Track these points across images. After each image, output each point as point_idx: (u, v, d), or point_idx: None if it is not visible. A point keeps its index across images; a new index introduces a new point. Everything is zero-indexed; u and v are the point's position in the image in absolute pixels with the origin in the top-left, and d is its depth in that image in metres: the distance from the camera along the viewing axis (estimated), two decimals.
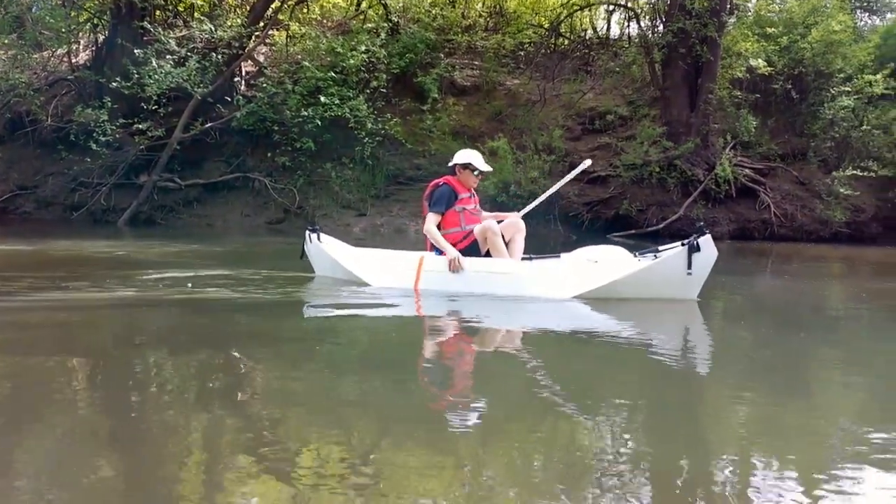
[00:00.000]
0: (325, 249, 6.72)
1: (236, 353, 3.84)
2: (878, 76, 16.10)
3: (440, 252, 5.97)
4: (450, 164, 6.22)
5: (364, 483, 2.16)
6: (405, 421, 2.82)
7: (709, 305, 5.70)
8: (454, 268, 5.78)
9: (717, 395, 3.42)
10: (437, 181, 6.22)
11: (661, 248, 5.68)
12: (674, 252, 5.45)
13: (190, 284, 6.02)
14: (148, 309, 5.08)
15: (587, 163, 6.75)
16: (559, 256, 6.17)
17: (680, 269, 5.40)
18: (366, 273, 6.33)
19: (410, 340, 4.41)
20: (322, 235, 6.89)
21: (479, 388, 3.37)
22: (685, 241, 5.42)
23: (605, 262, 5.78)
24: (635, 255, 5.80)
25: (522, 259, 6.11)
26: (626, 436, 2.68)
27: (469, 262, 5.86)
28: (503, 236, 6.06)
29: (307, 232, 6.98)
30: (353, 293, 5.92)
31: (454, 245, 5.94)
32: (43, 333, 4.20)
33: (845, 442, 2.69)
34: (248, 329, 4.53)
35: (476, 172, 6.12)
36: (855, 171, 15.26)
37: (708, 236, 5.38)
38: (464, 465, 2.37)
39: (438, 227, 6.04)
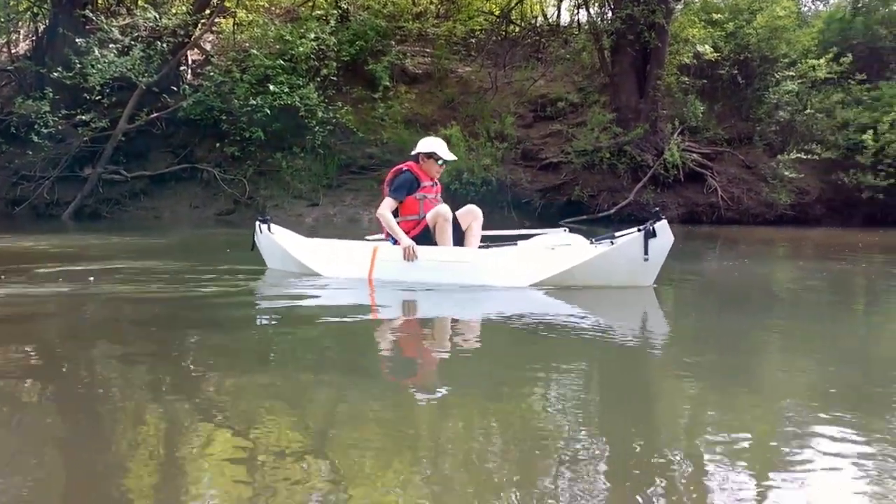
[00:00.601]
0: (277, 240, 6.51)
1: (180, 350, 3.78)
2: (822, 61, 16.44)
3: (396, 241, 5.88)
4: (413, 152, 6.08)
5: (323, 471, 2.16)
6: (361, 411, 2.81)
7: (660, 290, 5.71)
8: (408, 256, 5.67)
9: (670, 376, 3.46)
10: (400, 167, 6.06)
11: (617, 234, 5.63)
12: (630, 238, 5.41)
13: (92, 278, 5.79)
14: (83, 305, 4.94)
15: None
16: (516, 244, 6.16)
17: (636, 255, 5.37)
18: (319, 264, 6.19)
19: (364, 332, 4.32)
20: (273, 226, 6.66)
21: (437, 376, 3.36)
22: (641, 227, 5.37)
23: (561, 250, 5.75)
24: (592, 242, 5.76)
25: (480, 247, 6.08)
26: (581, 418, 2.71)
27: (424, 252, 5.75)
28: (460, 224, 6.02)
29: (257, 222, 6.74)
30: (306, 285, 5.80)
31: (408, 233, 5.84)
32: None
33: (794, 419, 2.74)
34: (192, 324, 4.45)
35: (440, 162, 5.98)
36: (799, 155, 15.56)
37: (664, 222, 5.36)
38: (422, 452, 2.38)
39: (396, 213, 5.92)
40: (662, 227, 5.34)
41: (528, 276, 5.50)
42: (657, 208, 5.61)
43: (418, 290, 5.55)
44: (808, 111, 16.50)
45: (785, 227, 14.97)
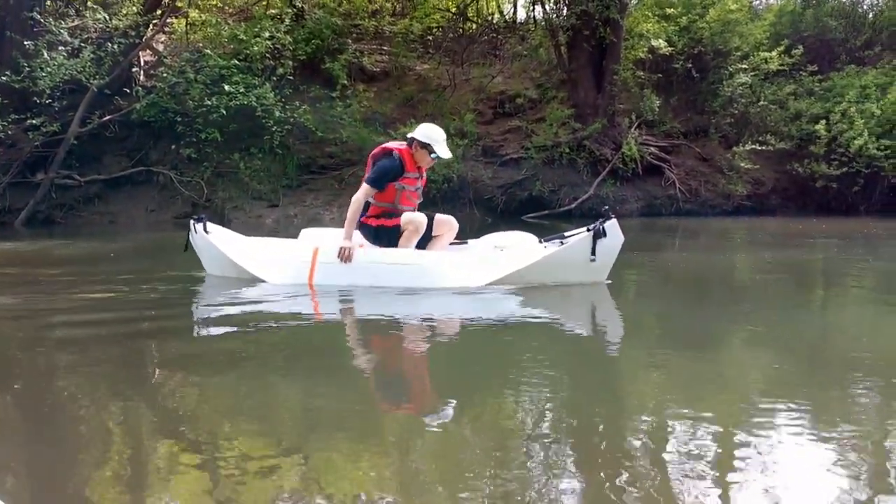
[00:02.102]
0: (213, 241, 6.02)
1: (136, 360, 3.69)
2: (774, 53, 16.76)
3: (382, 236, 5.63)
4: (408, 134, 5.77)
5: (291, 477, 2.11)
6: (325, 417, 2.76)
7: (620, 283, 5.74)
8: (343, 257, 5.41)
9: (632, 371, 3.49)
10: (389, 147, 5.74)
11: (566, 233, 5.64)
12: (578, 238, 5.41)
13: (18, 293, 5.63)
14: (32, 317, 4.74)
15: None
16: (466, 243, 6.12)
17: (585, 255, 5.36)
18: (258, 268, 5.75)
19: (306, 343, 4.09)
20: (209, 225, 6.16)
21: (400, 382, 3.34)
22: (591, 227, 5.36)
23: (510, 250, 5.72)
24: (541, 242, 5.77)
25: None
26: (546, 416, 2.71)
27: (369, 253, 5.57)
28: (432, 229, 5.82)
29: (191, 221, 6.21)
30: (238, 292, 5.40)
31: (375, 218, 5.63)
32: None
33: (757, 410, 2.79)
34: (147, 333, 4.35)
35: (433, 155, 5.65)
36: (754, 146, 15.85)
37: (614, 221, 5.34)
38: (391, 456, 2.35)
39: (378, 205, 5.66)
40: (612, 226, 5.33)
41: (477, 277, 5.39)
42: (606, 207, 5.62)
43: (363, 295, 5.30)
44: (762, 103, 16.82)
45: (742, 217, 15.23)
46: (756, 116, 16.93)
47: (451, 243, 6.11)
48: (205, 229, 6.08)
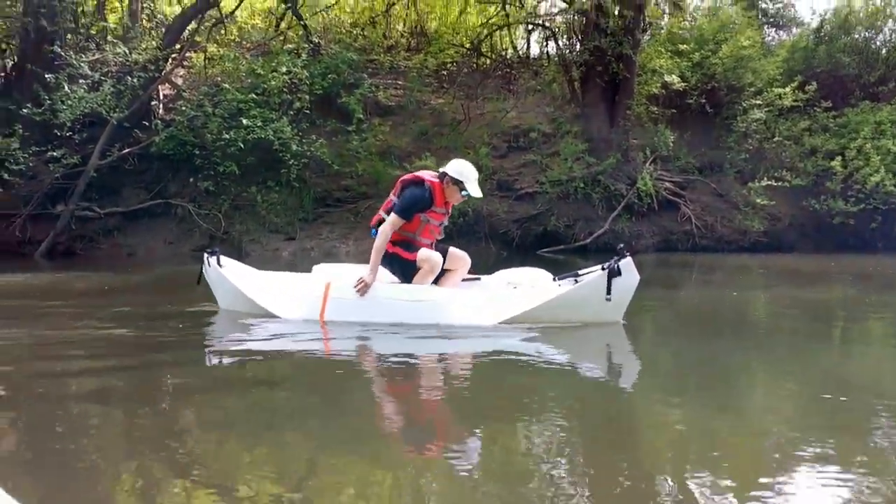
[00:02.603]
0: (226, 276, 5.97)
1: (150, 398, 3.68)
2: (787, 89, 16.79)
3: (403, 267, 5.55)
4: (441, 168, 5.64)
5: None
6: (339, 460, 2.74)
7: (636, 320, 5.66)
8: (360, 290, 5.37)
9: (650, 408, 3.46)
10: (422, 177, 5.60)
11: (581, 271, 5.53)
12: (593, 277, 5.27)
13: (39, 325, 5.54)
14: (47, 350, 4.72)
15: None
16: (479, 279, 6.05)
17: (600, 294, 5.21)
18: (271, 303, 5.71)
19: (330, 379, 4.06)
20: (223, 259, 6.10)
21: (414, 422, 3.30)
22: (605, 265, 5.22)
23: (524, 288, 5.65)
24: (555, 280, 5.68)
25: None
26: (564, 456, 2.69)
27: (383, 289, 5.49)
28: (446, 264, 5.76)
29: (205, 255, 6.16)
30: (250, 328, 5.35)
31: (392, 245, 5.52)
32: None
33: (776, 448, 2.76)
34: (163, 369, 4.32)
35: (464, 193, 5.54)
36: (770, 182, 15.81)
37: (629, 259, 5.19)
38: (402, 495, 2.33)
39: (401, 232, 5.55)
40: (627, 264, 5.18)
41: (490, 315, 5.33)
42: (622, 245, 5.38)
43: (375, 332, 5.23)
44: (777, 139, 16.82)
45: (759, 253, 15.16)
46: (771, 152, 16.93)
47: (464, 279, 6.07)
48: (218, 263, 6.04)
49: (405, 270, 5.63)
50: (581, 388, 3.79)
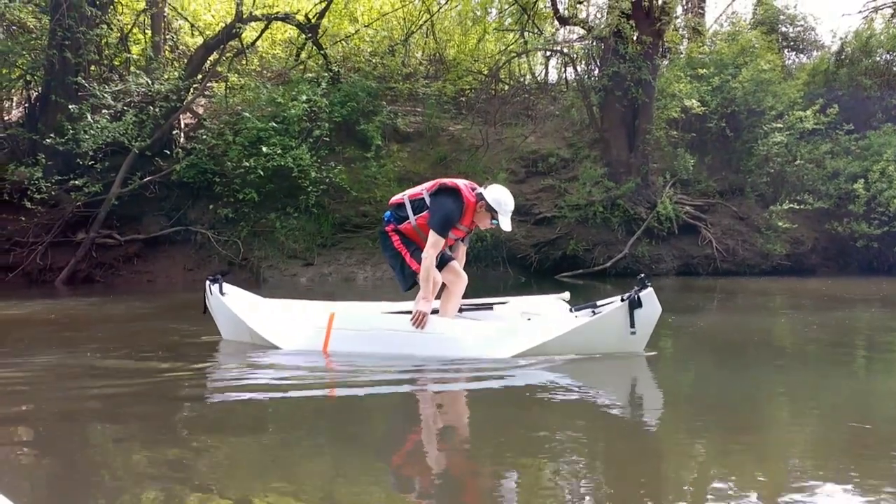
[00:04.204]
0: (228, 304, 5.72)
1: (165, 426, 3.65)
2: (808, 112, 16.67)
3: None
4: (480, 190, 5.34)
5: None
6: (351, 486, 2.69)
7: (657, 346, 5.43)
8: (417, 322, 5.08)
9: (673, 438, 3.37)
10: (460, 189, 5.29)
11: (599, 302, 5.29)
12: (613, 308, 4.98)
13: (52, 354, 5.48)
14: (63, 380, 4.68)
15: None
16: (492, 308, 5.83)
17: (620, 326, 4.94)
18: (272, 333, 5.49)
19: (342, 411, 3.93)
20: (225, 286, 5.87)
21: (432, 454, 3.20)
22: (625, 296, 4.94)
23: (540, 319, 5.42)
24: (572, 311, 5.44)
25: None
26: (586, 489, 2.60)
27: (392, 321, 5.26)
28: (442, 276, 5.38)
29: (207, 282, 5.92)
30: (252, 360, 5.14)
31: (401, 241, 5.37)
32: None
33: (799, 478, 2.67)
34: (175, 398, 4.29)
35: (494, 221, 5.30)
36: (791, 205, 15.65)
37: (650, 290, 4.89)
38: None
39: (418, 230, 5.33)
40: (648, 295, 4.88)
41: (504, 348, 5.01)
42: (642, 275, 5.06)
43: (382, 365, 4.89)
44: (798, 162, 16.67)
45: (782, 277, 14.96)
46: (793, 175, 16.79)
47: (476, 307, 5.86)
48: (220, 291, 5.83)
49: (404, 275, 5.42)
50: (602, 419, 3.66)
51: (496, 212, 5.24)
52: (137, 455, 3.07)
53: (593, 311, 5.20)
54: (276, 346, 5.42)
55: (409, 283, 5.46)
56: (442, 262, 5.44)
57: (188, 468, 2.87)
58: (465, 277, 5.61)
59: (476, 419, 3.77)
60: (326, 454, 3.12)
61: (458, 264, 5.63)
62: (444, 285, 5.49)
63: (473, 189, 5.36)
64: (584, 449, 3.18)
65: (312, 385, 4.57)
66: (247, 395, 4.18)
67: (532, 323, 5.37)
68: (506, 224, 5.29)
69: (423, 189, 5.43)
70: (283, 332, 5.50)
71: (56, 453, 3.10)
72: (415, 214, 5.39)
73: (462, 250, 5.81)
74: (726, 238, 15.95)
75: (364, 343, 5.21)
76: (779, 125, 16.76)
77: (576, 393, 4.29)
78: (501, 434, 3.44)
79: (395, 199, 5.59)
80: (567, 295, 6.14)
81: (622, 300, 4.94)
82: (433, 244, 5.15)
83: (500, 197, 5.28)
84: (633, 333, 4.92)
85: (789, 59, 21.20)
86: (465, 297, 5.80)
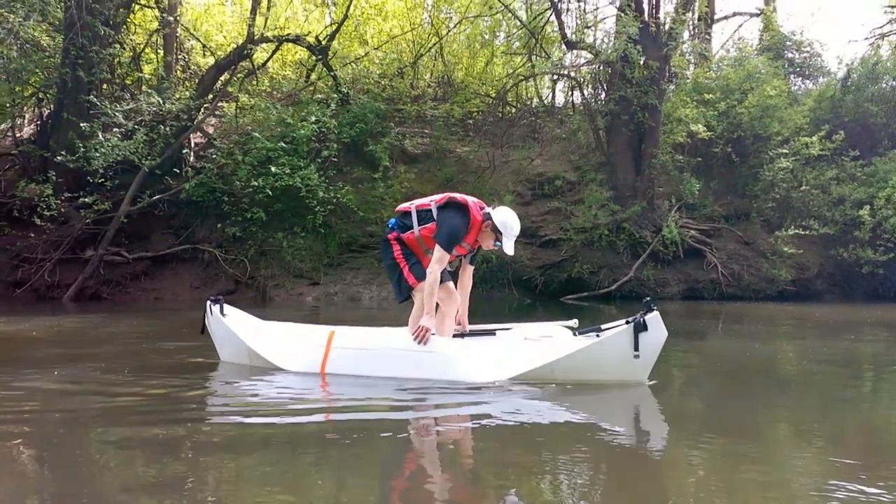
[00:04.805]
0: (229, 326, 5.70)
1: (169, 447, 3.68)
2: (814, 138, 16.73)
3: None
4: (488, 210, 5.27)
5: None
6: None
7: (661, 375, 5.25)
8: (420, 338, 4.99)
9: (678, 468, 3.36)
10: (469, 205, 5.20)
11: (603, 326, 5.14)
12: (617, 331, 4.83)
13: (56, 372, 5.46)
14: (63, 398, 4.70)
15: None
16: (495, 334, 5.73)
17: (624, 350, 4.79)
18: (273, 354, 5.46)
19: (327, 439, 3.78)
20: (226, 307, 5.85)
21: (420, 480, 3.17)
22: (630, 319, 4.79)
23: (541, 342, 5.29)
24: (575, 334, 5.34)
25: (454, 335, 5.53)
26: None
27: (392, 339, 5.21)
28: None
29: (208, 303, 5.91)
30: (251, 381, 5.13)
31: (401, 252, 5.31)
32: None
33: None
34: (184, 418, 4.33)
35: (497, 244, 5.23)
36: (797, 231, 15.66)
37: (656, 313, 4.74)
38: None
39: (420, 241, 5.28)
40: (654, 319, 4.73)
41: (504, 370, 4.90)
42: (648, 298, 4.91)
43: (380, 387, 4.83)
44: (804, 188, 16.71)
45: (787, 302, 14.93)
46: (798, 201, 16.81)
47: (478, 332, 5.77)
48: (221, 312, 5.81)
49: (400, 287, 5.38)
50: (604, 445, 3.61)
51: (501, 234, 5.18)
52: (141, 471, 3.10)
53: (597, 335, 5.07)
54: (277, 367, 5.41)
55: (403, 296, 5.41)
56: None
57: (192, 485, 2.91)
58: (457, 297, 5.49)
59: (476, 443, 3.74)
60: (330, 472, 3.14)
61: (451, 284, 5.51)
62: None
63: (482, 208, 5.30)
64: (586, 475, 3.17)
65: (313, 405, 4.56)
66: (249, 414, 4.18)
67: (533, 345, 5.26)
68: (509, 248, 5.23)
69: (431, 201, 5.36)
70: (282, 353, 5.48)
71: (59, 469, 3.14)
72: (420, 225, 5.31)
73: (469, 271, 5.73)
74: (732, 263, 15.95)
75: (362, 364, 5.15)
76: (784, 151, 16.82)
77: (578, 417, 4.24)
78: (502, 458, 3.43)
79: (402, 206, 5.56)
80: (575, 322, 5.96)
81: (627, 323, 4.81)
82: (438, 259, 5.09)
83: (507, 220, 5.21)
84: (637, 357, 4.79)
85: (795, 84, 21.29)
86: (470, 321, 5.76)
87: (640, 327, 4.72)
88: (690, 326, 10.36)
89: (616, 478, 3.19)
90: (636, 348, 4.77)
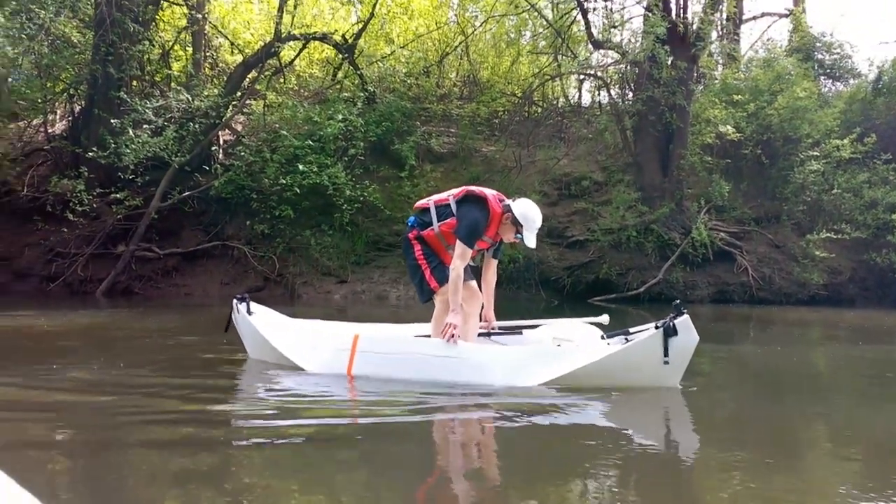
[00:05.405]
0: (255, 324, 5.69)
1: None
2: (845, 141, 16.49)
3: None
4: (508, 201, 5.19)
5: None
6: None
7: (691, 380, 5.10)
8: (447, 336, 4.89)
9: (710, 475, 3.28)
10: (488, 198, 5.12)
11: (632, 329, 5.07)
12: (646, 336, 4.70)
13: (97, 367, 5.48)
14: (94, 393, 4.66)
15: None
16: (521, 333, 5.68)
17: (654, 355, 4.65)
18: (297, 355, 5.42)
19: (354, 441, 3.70)
20: (253, 305, 5.86)
21: (447, 486, 3.10)
22: (659, 323, 4.64)
23: (570, 346, 5.22)
24: (603, 338, 5.23)
25: (480, 335, 5.53)
26: None
27: (417, 344, 5.17)
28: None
29: (234, 301, 5.93)
30: (276, 381, 5.09)
31: (422, 251, 5.23)
32: None
33: None
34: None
35: (518, 236, 5.12)
36: (829, 234, 15.44)
37: (686, 317, 4.57)
38: None
39: (440, 237, 5.20)
40: (684, 323, 4.56)
41: (532, 376, 4.82)
42: (678, 301, 4.75)
43: (407, 390, 4.77)
44: (835, 191, 16.48)
45: (819, 307, 14.76)
46: (829, 204, 16.59)
47: (505, 330, 5.74)
48: (248, 310, 5.80)
49: (422, 290, 5.30)
50: (633, 453, 3.54)
51: (521, 226, 5.09)
52: (172, 466, 3.11)
53: (626, 339, 5.01)
54: (302, 368, 5.37)
55: (426, 297, 5.33)
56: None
57: (223, 482, 2.91)
58: (481, 297, 5.45)
59: (504, 447, 3.69)
60: (359, 472, 3.14)
61: (474, 283, 5.44)
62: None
63: (501, 200, 5.21)
64: (615, 481, 3.10)
65: (341, 405, 4.57)
66: (279, 414, 4.17)
67: (562, 350, 5.15)
68: (530, 240, 5.11)
69: (449, 195, 5.31)
70: (307, 353, 5.44)
71: (89, 460, 3.19)
72: (439, 221, 5.25)
73: (493, 265, 5.63)
74: (762, 266, 15.77)
75: (388, 366, 5.10)
76: (815, 153, 16.59)
77: (606, 424, 4.15)
78: (529, 462, 3.39)
79: (420, 203, 5.52)
80: (605, 318, 5.93)
81: (656, 327, 4.67)
82: (460, 255, 5.01)
83: (527, 212, 5.11)
84: (667, 363, 4.65)
85: (825, 86, 21.02)
86: (496, 318, 5.71)
87: (671, 332, 4.57)
88: (721, 330, 10.27)
89: (645, 485, 3.12)
90: (666, 353, 4.63)
